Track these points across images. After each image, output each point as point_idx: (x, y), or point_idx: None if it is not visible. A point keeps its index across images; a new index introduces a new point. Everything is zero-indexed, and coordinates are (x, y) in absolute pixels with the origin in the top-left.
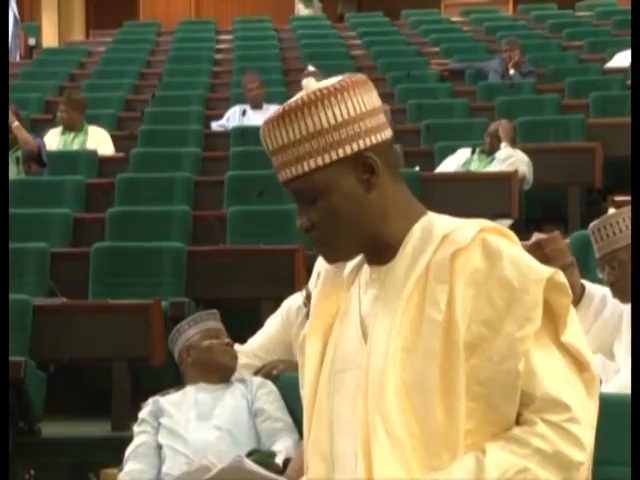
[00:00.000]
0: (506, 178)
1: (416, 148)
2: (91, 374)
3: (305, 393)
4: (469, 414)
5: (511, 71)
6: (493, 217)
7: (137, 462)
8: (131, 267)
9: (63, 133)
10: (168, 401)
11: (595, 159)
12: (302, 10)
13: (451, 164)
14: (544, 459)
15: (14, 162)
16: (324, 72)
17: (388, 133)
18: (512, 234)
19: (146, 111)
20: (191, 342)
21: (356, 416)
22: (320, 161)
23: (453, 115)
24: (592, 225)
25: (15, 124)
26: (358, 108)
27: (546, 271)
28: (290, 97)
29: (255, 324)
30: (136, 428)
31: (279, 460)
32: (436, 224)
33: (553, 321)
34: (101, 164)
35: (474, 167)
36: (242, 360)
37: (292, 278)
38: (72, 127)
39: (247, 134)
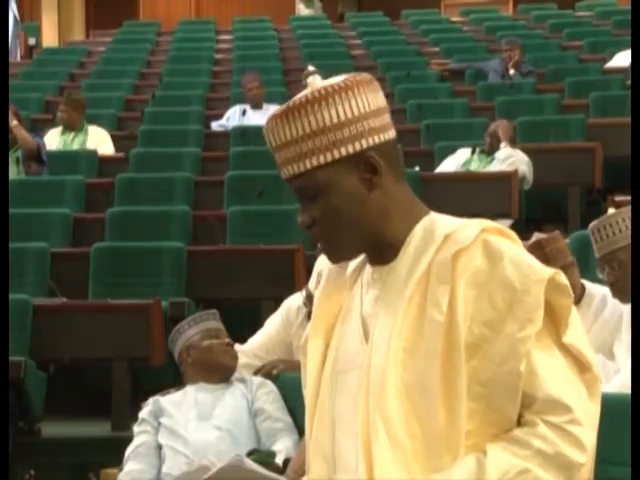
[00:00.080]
0: (506, 178)
1: (416, 148)
2: (91, 374)
3: (307, 393)
4: (470, 415)
5: (511, 71)
6: (493, 217)
7: (137, 462)
8: (131, 267)
9: (63, 133)
10: (168, 401)
11: (595, 159)
12: (303, 10)
13: (451, 164)
14: (545, 460)
15: (14, 162)
16: (324, 72)
17: (392, 133)
18: (514, 234)
19: (146, 111)
20: (191, 342)
21: (357, 416)
22: (322, 159)
23: (453, 115)
24: (592, 225)
25: (14, 123)
26: (362, 107)
27: (547, 272)
28: (290, 97)
29: (255, 324)
30: (136, 428)
31: (279, 460)
32: (438, 224)
33: (554, 322)
34: (101, 164)
35: (474, 167)
36: (242, 360)
37: (292, 278)
38: (72, 127)
39: (247, 134)
